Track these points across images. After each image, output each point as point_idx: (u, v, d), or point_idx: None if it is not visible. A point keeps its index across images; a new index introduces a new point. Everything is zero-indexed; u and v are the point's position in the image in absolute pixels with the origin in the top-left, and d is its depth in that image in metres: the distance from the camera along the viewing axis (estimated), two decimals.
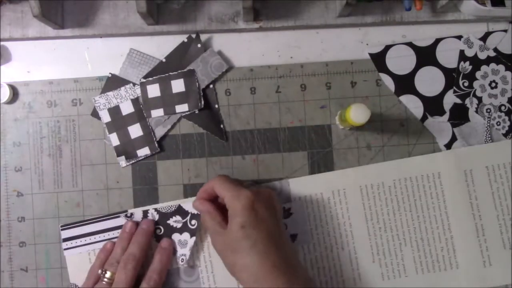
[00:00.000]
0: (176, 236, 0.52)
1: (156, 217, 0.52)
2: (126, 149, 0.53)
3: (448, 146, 0.54)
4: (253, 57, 0.54)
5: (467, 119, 0.54)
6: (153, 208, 0.52)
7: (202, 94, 0.53)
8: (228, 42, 0.54)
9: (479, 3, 0.51)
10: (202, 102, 0.52)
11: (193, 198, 0.51)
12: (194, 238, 0.51)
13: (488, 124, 0.54)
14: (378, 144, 0.54)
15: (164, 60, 0.53)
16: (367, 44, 0.55)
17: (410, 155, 0.54)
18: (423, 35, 0.55)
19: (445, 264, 0.52)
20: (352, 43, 0.55)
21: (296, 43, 0.54)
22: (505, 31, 0.54)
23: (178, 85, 0.52)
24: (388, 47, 0.54)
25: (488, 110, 0.54)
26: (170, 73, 0.53)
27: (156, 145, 0.53)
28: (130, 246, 0.50)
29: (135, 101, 0.53)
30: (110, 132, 0.53)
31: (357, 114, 0.47)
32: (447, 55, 0.54)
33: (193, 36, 0.53)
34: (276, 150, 0.54)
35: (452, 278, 0.52)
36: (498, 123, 0.54)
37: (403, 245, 0.52)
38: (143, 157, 0.53)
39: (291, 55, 0.55)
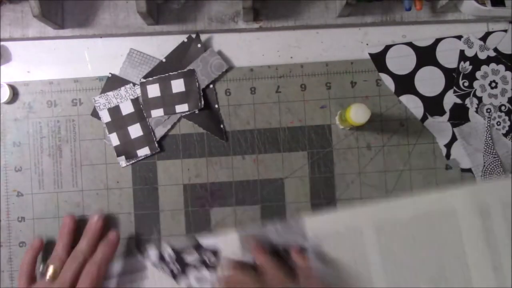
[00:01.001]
0: (193, 274, 0.52)
1: (173, 256, 0.52)
2: (126, 149, 0.53)
3: (448, 146, 0.54)
4: (253, 57, 0.54)
5: (467, 119, 0.54)
6: (169, 247, 0.52)
7: (202, 94, 0.53)
8: (228, 42, 0.54)
9: (479, 3, 0.51)
10: (202, 102, 0.52)
11: (209, 236, 0.51)
12: (214, 273, 0.51)
13: (488, 124, 0.54)
14: (378, 144, 0.54)
15: (164, 60, 0.53)
16: (367, 44, 0.55)
17: (410, 155, 0.54)
18: (423, 35, 0.55)
19: None
20: (352, 43, 0.55)
21: (296, 43, 0.54)
22: (505, 31, 0.54)
23: (178, 85, 0.52)
24: (388, 47, 0.54)
25: (488, 110, 0.54)
26: (170, 73, 0.53)
27: (156, 145, 0.53)
28: (80, 242, 0.50)
29: (135, 101, 0.53)
30: (110, 132, 0.53)
31: (357, 114, 0.47)
32: (447, 55, 0.54)
33: (193, 36, 0.53)
34: (276, 150, 0.54)
35: None
36: (498, 123, 0.54)
37: (422, 283, 0.51)
38: (143, 157, 0.53)
39: (291, 55, 0.55)
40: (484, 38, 0.54)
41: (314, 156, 0.54)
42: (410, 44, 0.54)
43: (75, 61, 0.54)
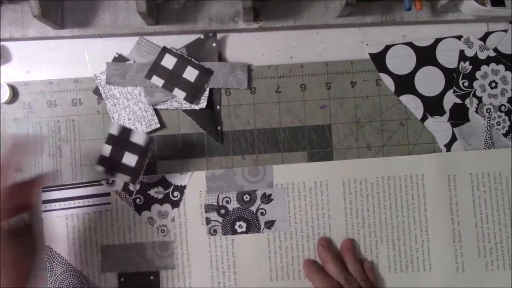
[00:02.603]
0: (156, 207, 0.52)
1: (138, 186, 0.52)
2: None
3: (448, 146, 0.54)
4: (253, 57, 0.54)
5: (467, 119, 0.54)
6: None
7: (208, 95, 0.53)
8: (228, 42, 0.54)
9: (479, 3, 0.51)
10: (206, 102, 0.52)
11: (177, 174, 0.51)
12: (176, 209, 0.52)
13: (488, 124, 0.54)
14: (378, 144, 0.54)
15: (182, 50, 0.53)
16: (367, 44, 0.55)
17: (410, 155, 0.54)
18: (423, 35, 0.55)
19: (418, 266, 0.52)
20: (352, 43, 0.55)
21: (296, 43, 0.55)
22: (505, 31, 0.54)
23: (190, 73, 0.52)
24: (388, 47, 0.54)
25: (488, 110, 0.54)
26: (193, 59, 0.52)
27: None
28: None
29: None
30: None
31: None
32: (447, 55, 0.54)
33: (210, 34, 0.53)
34: (276, 150, 0.54)
35: (424, 280, 0.52)
36: (498, 123, 0.54)
37: (379, 242, 0.52)
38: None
39: (291, 55, 0.55)
40: (484, 38, 0.54)
41: (314, 156, 0.54)
42: (410, 44, 0.54)
43: (75, 61, 0.54)
